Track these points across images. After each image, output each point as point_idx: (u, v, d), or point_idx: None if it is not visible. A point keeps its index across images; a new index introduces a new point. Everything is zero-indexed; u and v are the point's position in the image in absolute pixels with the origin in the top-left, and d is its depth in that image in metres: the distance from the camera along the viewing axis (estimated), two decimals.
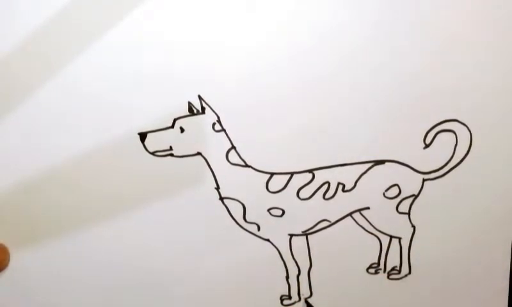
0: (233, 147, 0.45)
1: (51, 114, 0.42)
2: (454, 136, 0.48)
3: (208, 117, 0.44)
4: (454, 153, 0.49)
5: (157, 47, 0.42)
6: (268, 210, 0.47)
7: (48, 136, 0.42)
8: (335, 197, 0.48)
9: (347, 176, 0.48)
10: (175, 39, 0.42)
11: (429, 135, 0.48)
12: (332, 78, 0.45)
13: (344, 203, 0.49)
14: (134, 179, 0.44)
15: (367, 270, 0.52)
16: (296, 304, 0.52)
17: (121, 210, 0.45)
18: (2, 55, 0.40)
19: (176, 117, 0.43)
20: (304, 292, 0.51)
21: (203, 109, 0.44)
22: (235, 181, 0.46)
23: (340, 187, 0.48)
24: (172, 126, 0.43)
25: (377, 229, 0.50)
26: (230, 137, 0.45)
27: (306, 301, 0.51)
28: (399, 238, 0.51)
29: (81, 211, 0.45)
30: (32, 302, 0.47)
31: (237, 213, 0.47)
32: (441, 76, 0.46)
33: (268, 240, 0.49)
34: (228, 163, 0.45)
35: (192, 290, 0.49)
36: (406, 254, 0.52)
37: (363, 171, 0.48)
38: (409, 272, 0.53)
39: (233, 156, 0.45)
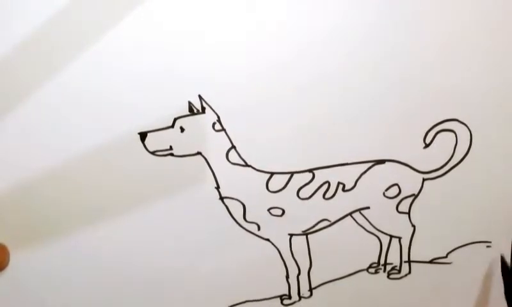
0: (233, 147, 0.45)
1: (51, 114, 0.42)
2: (454, 136, 0.48)
3: (209, 117, 0.44)
4: (454, 152, 0.49)
5: (158, 47, 0.42)
6: (268, 210, 0.47)
7: (48, 136, 0.42)
8: (335, 196, 0.48)
9: (347, 175, 0.48)
10: (175, 39, 0.42)
11: (429, 135, 0.48)
12: (332, 79, 0.45)
13: (344, 202, 0.49)
14: (134, 179, 0.44)
15: (367, 270, 0.52)
16: (296, 303, 0.52)
17: (121, 210, 0.45)
18: (2, 55, 0.40)
19: (176, 117, 0.43)
20: (304, 292, 0.51)
21: (203, 108, 0.44)
22: (235, 180, 0.46)
23: (340, 186, 0.48)
24: (172, 126, 0.43)
25: (377, 229, 0.50)
26: (230, 136, 0.45)
27: None
28: (399, 238, 0.51)
29: (81, 211, 0.45)
30: (32, 301, 0.47)
31: (237, 212, 0.47)
32: (441, 76, 0.46)
33: (268, 239, 0.49)
34: (228, 163, 0.45)
35: (192, 289, 0.49)
36: (406, 254, 0.52)
37: (363, 170, 0.48)
38: (409, 272, 0.53)
39: (233, 156, 0.45)
